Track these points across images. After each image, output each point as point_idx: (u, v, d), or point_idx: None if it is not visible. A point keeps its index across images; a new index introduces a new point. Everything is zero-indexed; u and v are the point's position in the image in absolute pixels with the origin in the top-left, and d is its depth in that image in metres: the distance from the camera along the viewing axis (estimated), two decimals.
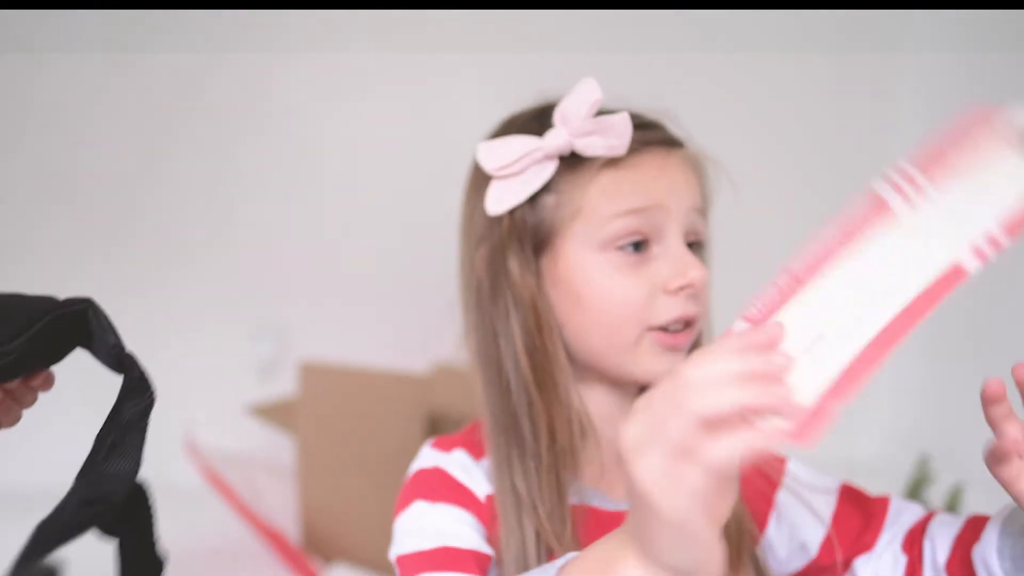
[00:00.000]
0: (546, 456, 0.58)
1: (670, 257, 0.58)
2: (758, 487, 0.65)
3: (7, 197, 1.84)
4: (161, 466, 1.93)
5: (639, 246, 0.58)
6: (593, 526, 0.60)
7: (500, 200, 0.58)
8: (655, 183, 0.58)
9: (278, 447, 1.62)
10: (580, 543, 0.59)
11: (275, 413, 1.52)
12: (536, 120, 0.60)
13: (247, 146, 1.90)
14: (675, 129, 0.63)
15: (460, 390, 1.37)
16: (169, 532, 1.87)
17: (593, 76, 0.61)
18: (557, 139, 0.57)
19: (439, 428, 1.38)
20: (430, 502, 0.60)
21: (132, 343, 2.16)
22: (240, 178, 1.90)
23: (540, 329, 0.59)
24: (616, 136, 0.56)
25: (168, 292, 1.90)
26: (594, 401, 0.62)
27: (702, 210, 0.62)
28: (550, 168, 0.58)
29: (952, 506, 1.46)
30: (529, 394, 0.59)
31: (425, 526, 0.59)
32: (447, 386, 1.47)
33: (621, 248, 0.58)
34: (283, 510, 1.44)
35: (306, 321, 1.94)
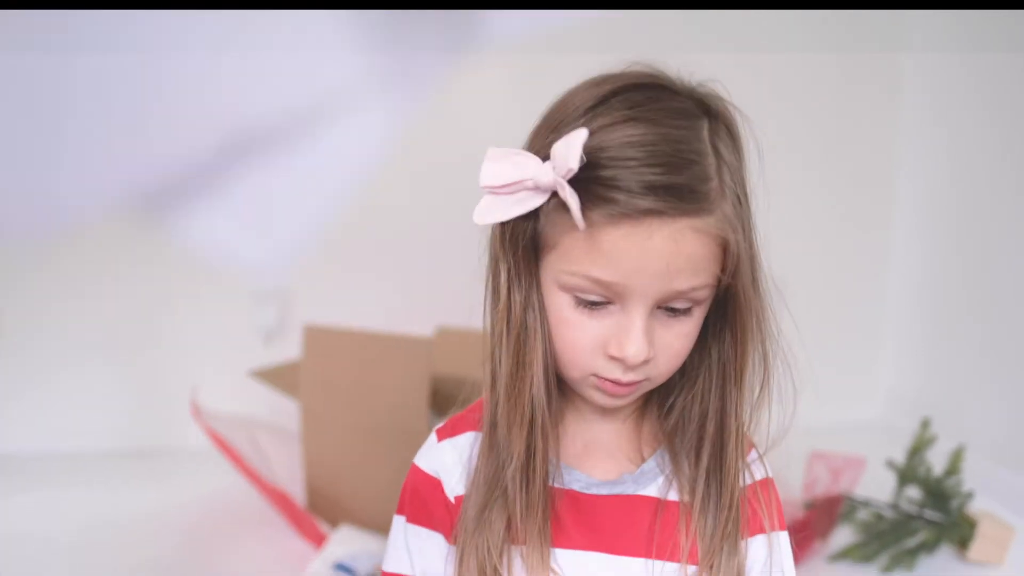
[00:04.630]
0: (521, 455, 0.60)
1: (621, 323, 0.57)
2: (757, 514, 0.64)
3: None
4: (167, 429, 1.96)
5: (596, 304, 0.57)
6: (570, 510, 0.62)
7: (486, 213, 0.57)
8: (623, 261, 0.54)
9: (282, 410, 1.63)
10: (552, 529, 0.61)
11: (278, 376, 1.53)
12: (553, 134, 0.57)
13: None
14: (699, 184, 0.55)
15: (462, 352, 1.37)
16: (176, 494, 1.90)
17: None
18: (545, 177, 0.55)
19: (441, 390, 1.38)
20: (413, 524, 0.65)
21: (135, 307, 2.19)
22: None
23: (518, 339, 0.60)
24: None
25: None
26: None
27: (696, 285, 0.56)
28: (540, 199, 0.56)
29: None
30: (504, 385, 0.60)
31: (411, 549, 0.65)
32: (449, 348, 1.48)
33: (577, 299, 0.57)
34: (288, 472, 1.45)
35: (309, 285, 1.95)
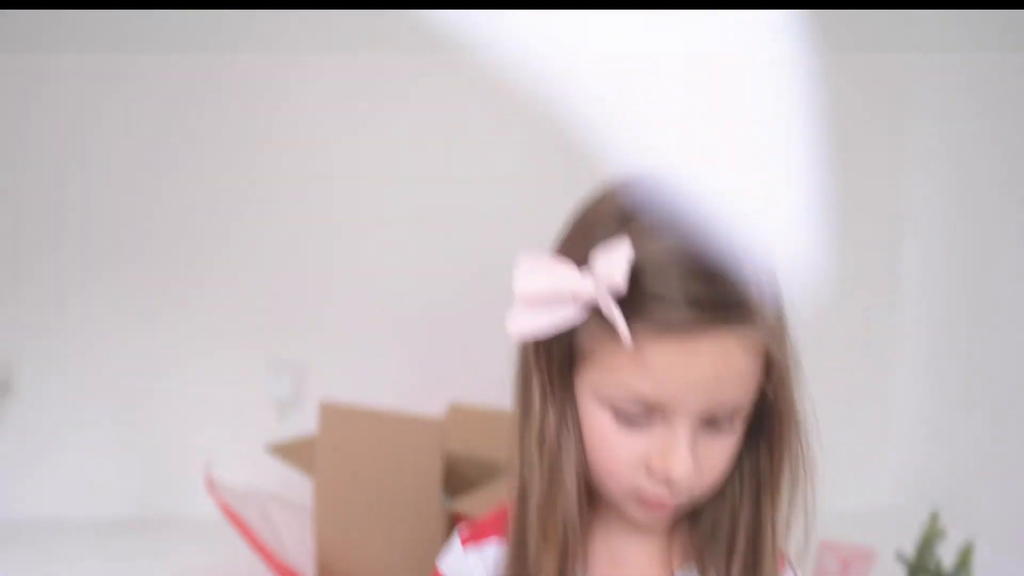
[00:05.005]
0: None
1: (665, 440, 0.54)
2: None
3: (15, 227, 1.87)
4: (181, 499, 1.95)
5: (638, 418, 0.55)
6: None
7: (521, 325, 0.54)
8: (670, 377, 0.52)
9: (296, 485, 1.63)
10: None
11: (293, 452, 1.54)
12: (587, 242, 0.55)
13: (264, 183, 1.92)
14: (743, 296, 0.53)
15: (475, 431, 1.38)
16: (188, 565, 1.87)
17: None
18: (585, 292, 0.53)
19: (454, 469, 1.39)
20: None
21: (151, 375, 2.19)
22: (257, 216, 1.93)
23: (553, 460, 0.57)
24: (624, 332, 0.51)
25: (187, 326, 1.92)
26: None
27: (741, 397, 0.55)
28: (580, 313, 0.54)
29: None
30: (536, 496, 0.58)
31: None
32: (462, 426, 1.49)
33: (618, 413, 0.55)
34: (298, 548, 1.45)
35: (324, 359, 1.96)
